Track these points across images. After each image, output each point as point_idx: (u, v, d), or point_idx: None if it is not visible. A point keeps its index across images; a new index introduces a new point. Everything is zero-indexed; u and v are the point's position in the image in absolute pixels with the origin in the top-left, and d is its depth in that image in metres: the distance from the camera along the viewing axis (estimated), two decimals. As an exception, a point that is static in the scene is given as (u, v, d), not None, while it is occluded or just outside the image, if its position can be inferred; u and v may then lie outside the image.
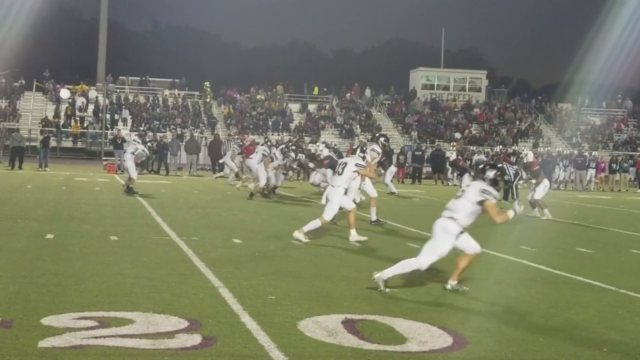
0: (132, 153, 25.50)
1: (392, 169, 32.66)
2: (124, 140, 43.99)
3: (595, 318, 8.95)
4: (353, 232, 15.14)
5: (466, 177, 14.85)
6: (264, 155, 25.56)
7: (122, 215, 18.08)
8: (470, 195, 10.27)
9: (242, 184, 29.49)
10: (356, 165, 15.22)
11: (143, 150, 26.38)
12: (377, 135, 18.63)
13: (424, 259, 10.11)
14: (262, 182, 24.91)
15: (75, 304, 8.33)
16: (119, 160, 41.57)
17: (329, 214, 14.94)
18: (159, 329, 7.42)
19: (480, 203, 10.15)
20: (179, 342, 7.04)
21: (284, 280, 10.42)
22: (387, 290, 9.85)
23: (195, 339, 7.17)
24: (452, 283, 10.30)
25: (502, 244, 15.49)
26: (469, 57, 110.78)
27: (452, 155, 39.84)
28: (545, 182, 23.15)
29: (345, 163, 15.32)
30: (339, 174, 15.18)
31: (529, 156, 24.83)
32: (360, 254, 13.38)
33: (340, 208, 15.24)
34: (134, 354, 6.61)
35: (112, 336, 7.09)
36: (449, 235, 10.18)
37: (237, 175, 34.08)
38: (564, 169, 43.90)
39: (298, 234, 14.60)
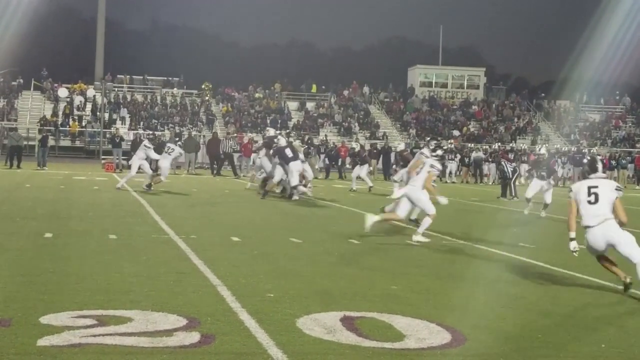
0: (168, 153, 25.87)
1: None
2: (122, 139, 44.09)
3: (593, 315, 8.98)
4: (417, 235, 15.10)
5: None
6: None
7: (120, 214, 18.09)
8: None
9: (252, 182, 29.44)
10: (431, 166, 15.56)
11: (180, 154, 27.08)
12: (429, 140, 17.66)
13: (430, 210, 14.89)
14: (277, 179, 24.71)
15: (74, 303, 8.34)
16: (117, 159, 41.63)
17: (430, 209, 15.12)
18: (158, 327, 7.42)
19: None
20: (178, 340, 7.04)
21: (282, 278, 10.43)
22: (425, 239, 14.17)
23: (194, 336, 7.17)
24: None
25: (500, 241, 15.52)
26: (467, 55, 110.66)
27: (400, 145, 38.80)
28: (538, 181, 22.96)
29: (424, 163, 15.60)
30: (417, 174, 15.45)
31: (542, 150, 24.86)
32: (359, 252, 13.38)
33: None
34: (133, 352, 6.61)
35: (110, 334, 7.10)
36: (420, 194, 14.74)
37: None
38: (562, 166, 43.97)
39: (417, 237, 14.85)
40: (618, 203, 10.41)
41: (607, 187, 10.53)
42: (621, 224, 10.31)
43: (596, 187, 10.49)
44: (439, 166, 16.33)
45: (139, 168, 26.04)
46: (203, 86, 66.12)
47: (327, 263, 11.93)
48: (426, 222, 15.07)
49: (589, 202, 10.42)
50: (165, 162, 25.99)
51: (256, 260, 11.92)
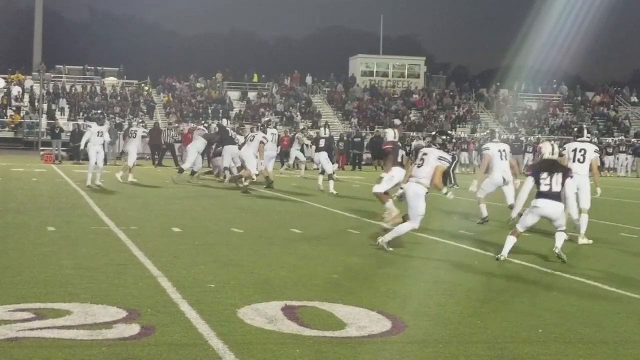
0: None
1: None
2: (61, 130, 43.56)
3: (530, 300, 9.09)
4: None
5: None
6: (261, 142, 24.46)
7: (59, 206, 17.89)
8: (431, 161, 12.54)
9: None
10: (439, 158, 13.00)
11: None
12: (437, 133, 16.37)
13: (414, 222, 12.51)
14: (253, 170, 24.29)
15: (11, 296, 8.24)
16: (56, 150, 41.16)
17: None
18: (97, 320, 7.37)
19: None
20: (117, 332, 7.00)
21: (223, 268, 10.41)
22: (391, 249, 12.28)
23: (134, 328, 7.13)
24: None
25: (441, 228, 15.64)
26: (408, 44, 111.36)
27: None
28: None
29: (426, 153, 13.10)
30: (418, 167, 13.11)
31: (389, 135, 24.21)
32: (301, 241, 13.40)
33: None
34: (71, 345, 6.56)
35: (48, 327, 7.03)
36: (420, 197, 12.49)
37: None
38: None
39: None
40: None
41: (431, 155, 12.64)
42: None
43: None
44: (449, 157, 13.70)
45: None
46: (142, 84, 65.46)
47: (268, 253, 11.93)
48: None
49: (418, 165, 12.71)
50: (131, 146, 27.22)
51: (197, 250, 11.88)
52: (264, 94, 66.75)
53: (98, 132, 23.89)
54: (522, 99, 71.91)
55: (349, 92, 69.27)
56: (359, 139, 47.08)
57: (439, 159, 12.65)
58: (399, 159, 17.16)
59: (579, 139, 15.60)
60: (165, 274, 9.70)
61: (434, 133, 14.03)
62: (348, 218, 17.17)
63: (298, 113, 63.68)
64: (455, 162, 31.76)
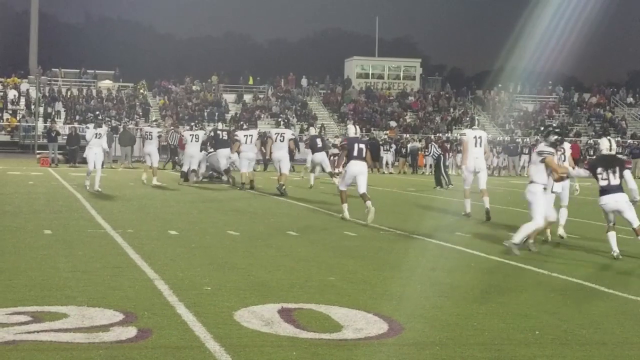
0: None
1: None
2: (58, 133, 43.52)
3: (528, 302, 9.10)
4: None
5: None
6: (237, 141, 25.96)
7: (56, 209, 17.88)
8: (534, 159, 13.21)
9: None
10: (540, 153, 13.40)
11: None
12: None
13: (537, 219, 12.85)
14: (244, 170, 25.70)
15: (8, 300, 8.24)
16: (52, 153, 41.12)
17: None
18: (94, 323, 7.37)
19: (542, 161, 12.90)
20: (114, 335, 7.00)
21: (220, 271, 10.42)
22: (518, 253, 12.49)
23: (131, 331, 7.13)
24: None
25: (436, 230, 15.65)
26: (403, 46, 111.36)
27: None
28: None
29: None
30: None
31: (350, 131, 23.63)
32: (297, 243, 13.41)
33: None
34: (68, 348, 6.56)
35: (45, 331, 7.03)
36: (534, 194, 12.94)
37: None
38: (497, 156, 44.47)
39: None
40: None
41: None
42: None
43: None
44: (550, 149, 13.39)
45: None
46: (138, 86, 65.40)
47: (264, 255, 11.93)
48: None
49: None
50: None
51: (193, 253, 11.88)
52: (260, 96, 66.76)
53: (96, 134, 23.35)
54: (518, 101, 72.01)
55: (345, 94, 69.32)
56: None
57: (538, 154, 13.17)
58: (355, 153, 17.52)
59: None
60: (161, 277, 9.70)
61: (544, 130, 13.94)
62: (344, 220, 17.15)
63: (294, 115, 63.68)
64: (441, 160, 31.67)
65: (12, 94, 60.02)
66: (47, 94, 60.80)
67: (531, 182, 13.08)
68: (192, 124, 31.08)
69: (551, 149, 13.16)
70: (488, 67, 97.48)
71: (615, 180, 12.81)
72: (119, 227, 14.58)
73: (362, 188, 17.29)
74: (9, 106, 58.71)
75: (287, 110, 64.27)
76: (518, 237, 12.67)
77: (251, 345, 6.86)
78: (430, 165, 40.48)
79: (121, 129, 45.36)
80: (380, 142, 45.84)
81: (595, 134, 63.42)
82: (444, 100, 70.45)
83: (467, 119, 65.59)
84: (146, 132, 28.48)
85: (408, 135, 54.73)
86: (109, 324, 7.34)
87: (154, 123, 32.61)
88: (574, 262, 12.48)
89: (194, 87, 66.60)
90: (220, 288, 9.20)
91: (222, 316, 7.81)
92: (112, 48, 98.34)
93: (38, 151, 45.44)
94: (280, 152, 24.86)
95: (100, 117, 24.18)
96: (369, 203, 16.60)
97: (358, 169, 17.46)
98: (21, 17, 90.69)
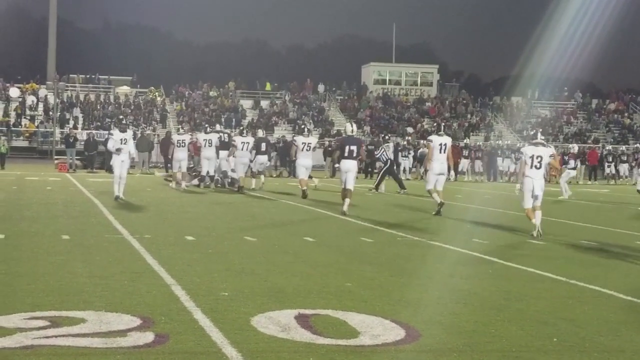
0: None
1: None
2: (76, 139, 43.71)
3: (546, 309, 9.05)
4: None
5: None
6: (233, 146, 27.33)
7: (73, 214, 17.95)
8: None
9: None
10: (550, 156, 16.75)
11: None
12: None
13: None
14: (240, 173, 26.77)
15: (26, 304, 8.26)
16: (70, 158, 41.30)
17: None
18: (111, 328, 7.38)
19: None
20: (132, 340, 7.00)
21: (237, 276, 10.41)
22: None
23: (148, 336, 7.14)
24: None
25: (454, 236, 15.61)
26: (421, 52, 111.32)
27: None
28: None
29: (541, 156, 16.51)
30: (537, 168, 16.50)
31: (347, 129, 23.45)
32: (314, 249, 13.40)
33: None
34: (86, 353, 6.57)
35: (63, 335, 7.04)
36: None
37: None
38: (514, 161, 44.30)
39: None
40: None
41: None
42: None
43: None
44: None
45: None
46: (148, 91, 65.56)
47: (281, 261, 11.93)
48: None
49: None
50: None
51: (210, 259, 11.89)
52: (277, 102, 66.82)
53: (121, 139, 22.40)
54: (536, 107, 71.82)
55: (362, 100, 69.29)
56: (372, 147, 46.96)
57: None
58: (346, 153, 20.04)
59: (533, 143, 16.93)
60: (179, 282, 9.71)
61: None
62: (361, 226, 17.14)
63: (311, 121, 63.72)
64: (391, 167, 31.05)
65: (30, 99, 60.29)
66: (65, 100, 61.03)
67: None
68: (206, 125, 31.48)
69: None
70: (506, 73, 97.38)
71: None
72: (136, 232, 14.61)
73: (349, 184, 19.82)
74: (27, 112, 58.97)
75: (304, 117, 64.30)
76: None
77: (268, 351, 6.85)
78: (376, 169, 39.12)
79: (139, 135, 45.49)
80: (399, 148, 45.76)
81: (613, 140, 63.17)
82: (461, 107, 70.33)
83: (483, 125, 65.69)
84: (178, 140, 28.64)
85: (423, 142, 54.60)
86: (127, 329, 7.34)
87: (182, 130, 32.84)
88: (591, 268, 12.42)
89: (211, 93, 66.72)
90: (237, 294, 9.20)
91: (239, 322, 7.81)
92: (130, 54, 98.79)
93: (56, 157, 45.61)
94: (307, 160, 25.80)
95: (124, 121, 23.28)
96: (347, 200, 19.63)
97: (346, 167, 20.09)
98: (39, 23, 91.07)
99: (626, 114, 71.80)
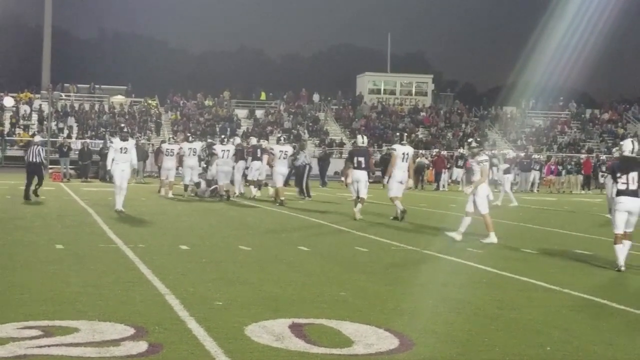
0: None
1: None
2: (69, 149, 43.68)
3: (539, 318, 9.06)
4: (492, 235, 16.57)
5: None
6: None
7: (67, 224, 17.93)
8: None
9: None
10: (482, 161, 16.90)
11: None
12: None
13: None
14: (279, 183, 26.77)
15: (19, 314, 8.25)
16: (64, 168, 41.27)
17: (484, 209, 16.71)
18: (105, 337, 7.37)
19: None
20: (125, 349, 7.00)
21: (231, 285, 10.41)
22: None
23: (142, 346, 7.13)
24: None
25: (448, 246, 15.62)
26: (415, 62, 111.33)
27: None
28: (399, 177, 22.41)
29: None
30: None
31: (358, 141, 24.10)
32: (308, 258, 13.40)
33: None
34: (79, 363, 6.56)
35: (56, 345, 7.03)
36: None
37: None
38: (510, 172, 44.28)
39: (454, 234, 16.63)
40: None
41: None
42: None
43: None
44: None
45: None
46: (143, 101, 65.56)
47: (275, 270, 11.92)
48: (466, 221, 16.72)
49: None
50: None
51: (204, 268, 11.88)
52: (272, 111, 66.86)
53: (122, 148, 21.74)
54: (530, 117, 71.94)
55: (357, 110, 69.36)
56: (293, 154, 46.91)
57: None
58: (355, 164, 21.46)
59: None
60: (172, 292, 9.70)
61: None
62: (355, 235, 17.15)
63: (305, 131, 63.75)
64: (308, 172, 31.34)
65: (23, 109, 60.23)
66: (59, 109, 60.99)
67: None
68: (189, 135, 31.96)
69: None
70: (500, 82, 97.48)
71: (633, 185, 12.74)
72: (130, 241, 14.60)
73: (361, 193, 21.30)
74: (21, 121, 58.90)
75: (298, 126, 64.33)
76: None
77: (262, 360, 6.85)
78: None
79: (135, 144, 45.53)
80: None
81: (607, 150, 63.28)
82: (455, 116, 70.43)
83: (477, 135, 65.78)
84: (167, 149, 29.25)
85: (422, 151, 54.67)
86: (120, 339, 7.34)
87: (172, 140, 33.01)
88: (585, 277, 12.44)
89: (206, 102, 66.73)
90: (231, 303, 9.20)
91: (233, 331, 7.81)
92: (124, 63, 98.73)
93: (50, 166, 45.54)
94: (284, 168, 27.39)
95: (126, 129, 22.44)
96: (359, 205, 21.03)
97: (356, 177, 21.46)
98: (34, 31, 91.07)
99: (620, 124, 71.93)
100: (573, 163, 48.25)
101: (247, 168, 29.66)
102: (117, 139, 22.94)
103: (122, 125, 27.24)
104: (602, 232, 19.68)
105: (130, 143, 22.45)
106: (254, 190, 29.67)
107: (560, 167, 48.41)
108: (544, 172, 46.46)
